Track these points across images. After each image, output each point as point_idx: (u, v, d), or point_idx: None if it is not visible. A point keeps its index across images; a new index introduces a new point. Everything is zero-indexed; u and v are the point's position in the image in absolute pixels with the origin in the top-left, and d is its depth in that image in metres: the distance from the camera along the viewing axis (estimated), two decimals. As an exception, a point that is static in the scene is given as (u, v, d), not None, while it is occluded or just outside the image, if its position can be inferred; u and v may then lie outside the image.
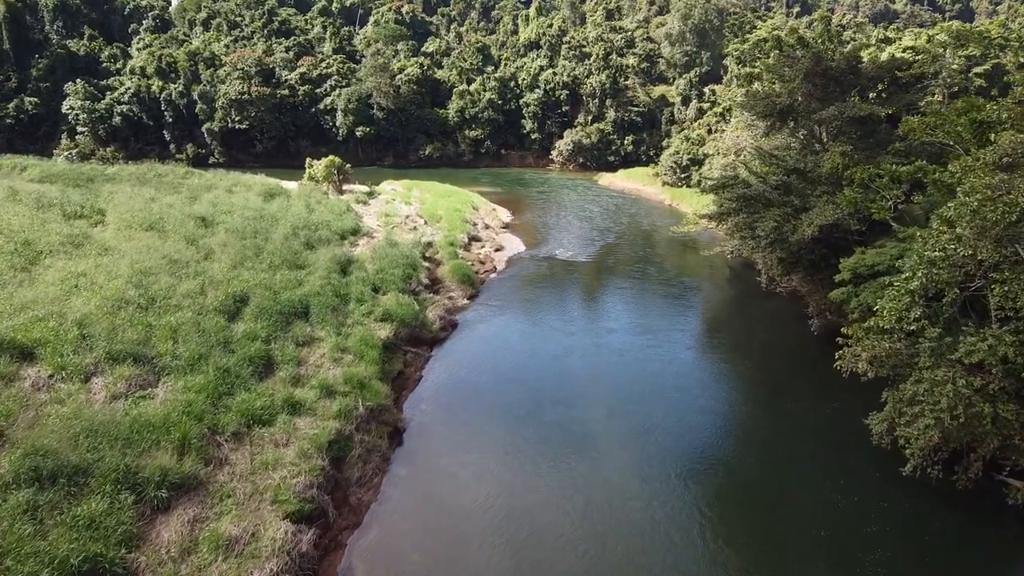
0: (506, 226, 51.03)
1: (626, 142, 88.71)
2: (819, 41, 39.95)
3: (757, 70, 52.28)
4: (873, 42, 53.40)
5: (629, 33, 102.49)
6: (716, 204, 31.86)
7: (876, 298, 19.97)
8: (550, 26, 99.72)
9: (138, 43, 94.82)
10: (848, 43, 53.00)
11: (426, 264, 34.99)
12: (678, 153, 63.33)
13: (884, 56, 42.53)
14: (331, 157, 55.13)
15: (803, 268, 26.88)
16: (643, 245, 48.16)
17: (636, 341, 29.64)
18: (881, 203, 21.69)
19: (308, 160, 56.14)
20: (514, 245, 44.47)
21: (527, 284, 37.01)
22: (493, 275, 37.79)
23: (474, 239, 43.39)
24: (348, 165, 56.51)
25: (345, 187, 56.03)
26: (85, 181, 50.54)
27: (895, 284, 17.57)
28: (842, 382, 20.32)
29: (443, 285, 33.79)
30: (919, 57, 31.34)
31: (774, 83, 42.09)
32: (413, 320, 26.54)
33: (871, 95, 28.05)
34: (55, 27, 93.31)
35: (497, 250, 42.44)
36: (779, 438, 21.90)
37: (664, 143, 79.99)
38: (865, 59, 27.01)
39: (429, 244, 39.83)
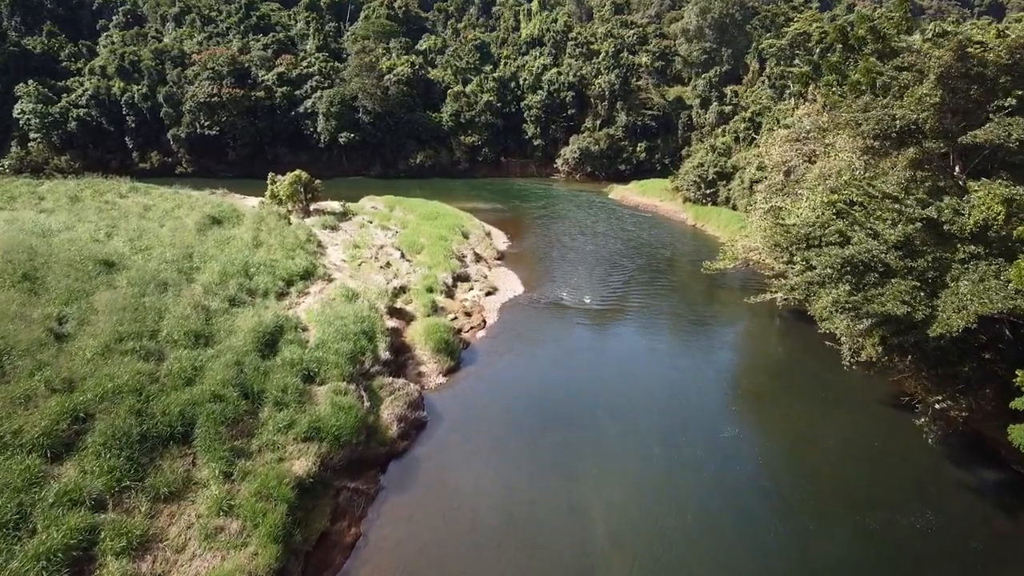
0: (501, 256, 42.69)
1: (639, 149, 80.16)
2: (895, 32, 31.29)
3: (800, 68, 43.88)
4: (929, 36, 45.03)
5: (641, 29, 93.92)
6: (778, 250, 23.54)
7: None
8: (554, 21, 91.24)
9: (106, 41, 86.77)
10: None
11: (392, 323, 26.70)
12: (703, 166, 54.87)
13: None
14: (297, 172, 46.96)
15: (921, 355, 18.52)
16: (668, 284, 39.74)
17: (670, 437, 21.39)
18: (1089, 284, 13.33)
19: (271, 175, 47.97)
20: (510, 285, 36.14)
21: (524, 346, 28.67)
22: (481, 332, 29.46)
23: (460, 279, 35.07)
24: (318, 181, 48.32)
25: (314, 206, 47.92)
26: (7, 201, 42.87)
27: None
28: (979, 517, 12.69)
29: (412, 355, 25.48)
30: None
31: (833, 87, 33.68)
32: (356, 433, 18.25)
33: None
34: (13, 23, 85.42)
35: (488, 293, 34.12)
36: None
37: (684, 151, 71.68)
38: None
39: (402, 289, 31.61)
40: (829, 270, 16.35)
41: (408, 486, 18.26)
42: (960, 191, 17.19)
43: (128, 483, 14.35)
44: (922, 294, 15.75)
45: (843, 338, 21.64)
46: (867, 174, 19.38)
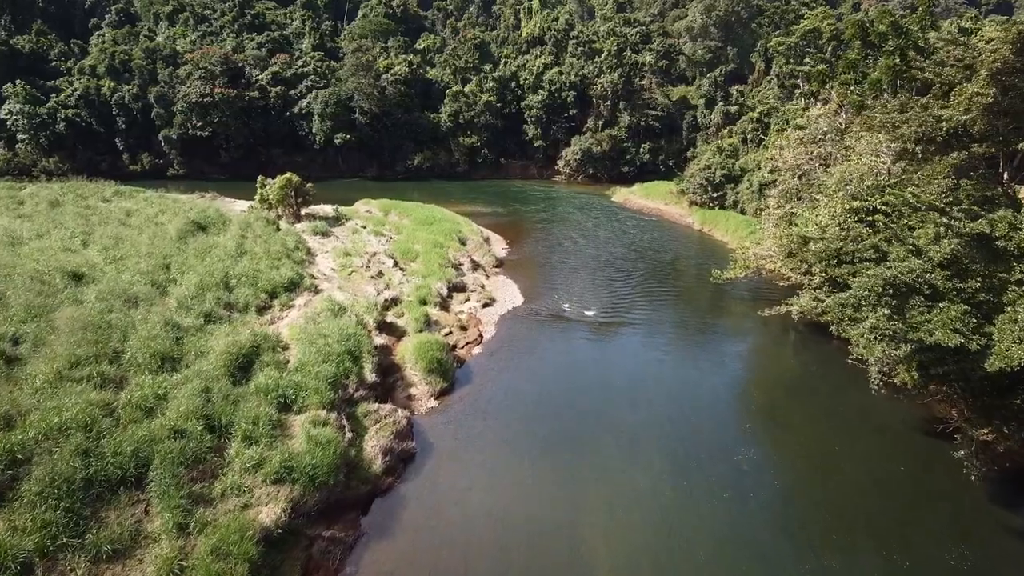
0: (500, 264, 40.76)
1: (642, 150, 78.19)
2: (917, 29, 29.44)
3: (814, 66, 41.99)
4: (946, 35, 43.15)
5: (644, 27, 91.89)
6: (794, 260, 21.62)
7: None
8: (556, 20, 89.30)
9: (97, 40, 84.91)
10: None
11: (381, 340, 24.79)
12: (709, 168, 52.92)
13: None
14: (287, 175, 45.02)
15: (964, 383, 16.59)
16: (675, 293, 37.82)
17: (679, 463, 19.71)
18: None
19: (260, 178, 46.05)
20: (509, 295, 34.22)
21: (523, 363, 26.75)
22: (477, 348, 27.54)
23: (456, 289, 33.16)
24: (309, 184, 46.37)
25: (305, 211, 45.95)
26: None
27: None
28: None
29: (401, 375, 23.57)
30: None
31: (850, 86, 31.94)
32: (334, 472, 16.33)
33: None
34: (3, 21, 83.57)
35: (486, 305, 32.20)
36: None
37: (689, 153, 69.73)
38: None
39: (394, 301, 29.72)
40: (866, 292, 14.41)
41: (393, 531, 16.34)
42: (1011, 201, 15.30)
43: (65, 540, 12.46)
44: (974, 320, 13.81)
45: (872, 359, 19.68)
46: (892, 180, 17.58)
